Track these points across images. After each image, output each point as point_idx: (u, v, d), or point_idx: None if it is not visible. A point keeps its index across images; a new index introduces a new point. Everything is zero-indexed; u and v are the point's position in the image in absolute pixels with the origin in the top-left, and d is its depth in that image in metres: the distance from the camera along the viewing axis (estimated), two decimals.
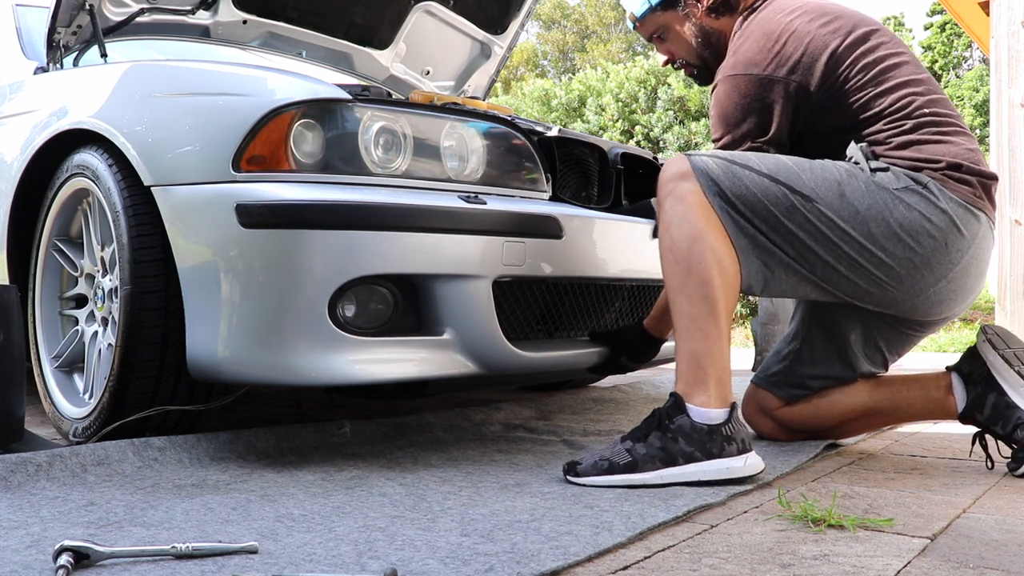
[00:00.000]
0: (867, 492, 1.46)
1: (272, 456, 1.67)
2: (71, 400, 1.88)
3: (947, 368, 1.76)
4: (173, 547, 1.02)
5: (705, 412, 1.46)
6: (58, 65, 2.26)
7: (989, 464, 1.67)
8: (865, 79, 1.63)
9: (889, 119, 1.62)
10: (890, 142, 1.61)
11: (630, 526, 1.17)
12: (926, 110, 1.62)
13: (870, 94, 1.63)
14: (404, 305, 1.62)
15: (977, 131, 23.86)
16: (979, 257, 1.63)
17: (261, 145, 1.56)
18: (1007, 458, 1.67)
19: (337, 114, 1.60)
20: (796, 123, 1.67)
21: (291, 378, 1.54)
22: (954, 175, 1.58)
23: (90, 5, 2.22)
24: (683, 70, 1.92)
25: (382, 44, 3.10)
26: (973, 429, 1.73)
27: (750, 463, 1.46)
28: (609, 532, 1.14)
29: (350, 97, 1.61)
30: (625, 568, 1.02)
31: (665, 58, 1.92)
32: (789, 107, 1.64)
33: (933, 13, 29.19)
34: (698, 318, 1.49)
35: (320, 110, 1.59)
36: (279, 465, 1.59)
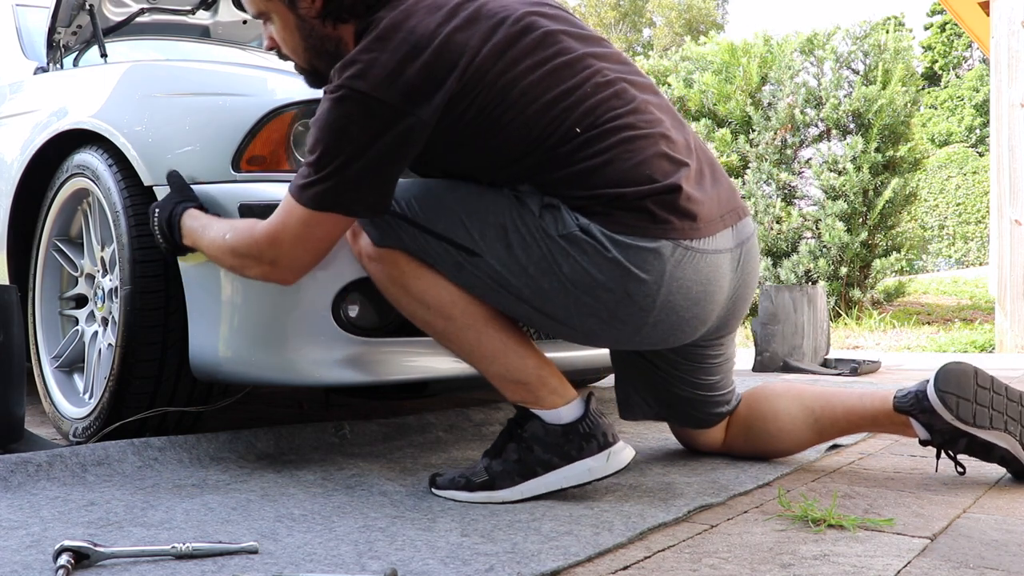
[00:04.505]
0: (867, 492, 1.46)
1: (272, 456, 1.67)
2: (71, 400, 1.88)
3: (897, 410, 1.52)
4: (173, 547, 1.02)
5: (554, 412, 1.35)
6: (58, 65, 2.26)
7: (960, 470, 1.55)
8: (503, 101, 1.28)
9: (543, 145, 1.30)
10: (553, 176, 1.31)
11: (630, 526, 1.18)
12: (580, 127, 1.29)
13: (512, 123, 1.29)
14: None
15: (977, 131, 23.88)
16: (682, 286, 1.33)
17: (261, 145, 1.56)
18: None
19: None
20: (420, 160, 1.36)
21: (294, 378, 1.54)
22: (620, 208, 1.29)
23: (90, 5, 2.22)
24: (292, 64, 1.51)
25: None
26: None
27: (614, 459, 1.34)
28: (609, 532, 1.14)
29: None
30: (625, 568, 1.02)
31: (268, 44, 1.48)
32: (402, 144, 1.26)
33: (933, 13, 29.20)
34: (476, 349, 1.38)
35: None
36: (279, 465, 1.59)
